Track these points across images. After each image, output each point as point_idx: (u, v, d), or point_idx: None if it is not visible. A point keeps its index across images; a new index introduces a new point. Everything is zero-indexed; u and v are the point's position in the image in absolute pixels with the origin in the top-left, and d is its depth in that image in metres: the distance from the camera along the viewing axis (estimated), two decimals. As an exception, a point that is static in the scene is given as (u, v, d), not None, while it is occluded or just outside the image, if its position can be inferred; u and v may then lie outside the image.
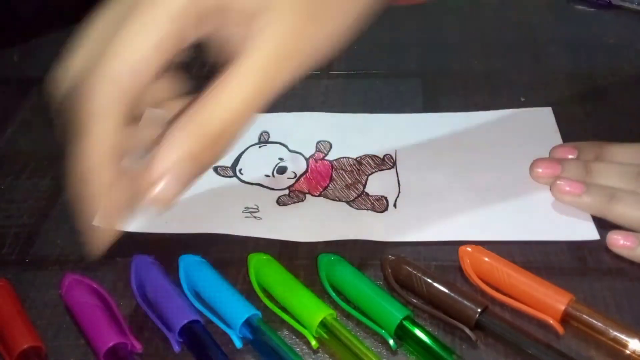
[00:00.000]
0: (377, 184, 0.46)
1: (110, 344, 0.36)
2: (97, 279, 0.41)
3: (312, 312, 0.37)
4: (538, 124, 0.50)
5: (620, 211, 0.41)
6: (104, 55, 0.28)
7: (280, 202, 0.45)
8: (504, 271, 0.38)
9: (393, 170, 0.47)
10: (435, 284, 0.38)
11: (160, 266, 0.41)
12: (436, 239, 0.42)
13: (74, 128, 0.29)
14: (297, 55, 0.28)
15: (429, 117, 0.52)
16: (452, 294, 0.37)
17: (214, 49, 0.27)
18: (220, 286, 0.39)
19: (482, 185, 0.45)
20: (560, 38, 0.59)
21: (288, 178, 0.47)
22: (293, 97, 0.55)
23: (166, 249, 0.43)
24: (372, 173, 0.47)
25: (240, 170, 0.48)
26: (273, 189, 0.47)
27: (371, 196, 0.45)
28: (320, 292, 0.40)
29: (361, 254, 0.42)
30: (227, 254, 0.42)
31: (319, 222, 0.44)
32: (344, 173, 0.47)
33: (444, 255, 0.41)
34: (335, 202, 0.45)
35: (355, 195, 0.46)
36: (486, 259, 0.39)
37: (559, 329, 0.36)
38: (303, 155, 0.49)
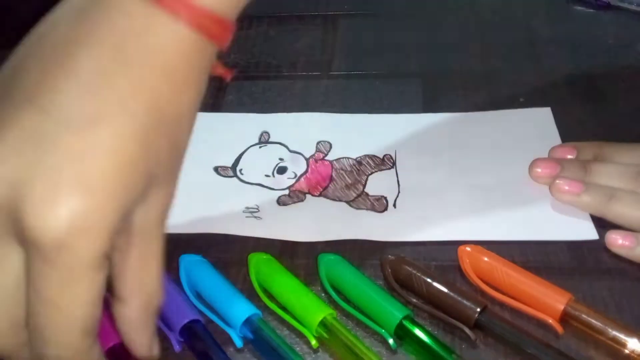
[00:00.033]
0: (377, 184, 0.46)
1: (111, 344, 0.36)
2: (98, 278, 0.41)
3: (312, 311, 0.37)
4: (537, 124, 0.50)
5: (620, 211, 0.41)
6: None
7: (280, 202, 0.46)
8: (504, 271, 0.38)
9: (393, 170, 0.47)
10: (435, 284, 0.38)
11: (161, 266, 0.41)
12: (436, 239, 0.42)
13: None
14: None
15: (429, 117, 0.52)
16: (452, 294, 0.37)
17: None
18: (220, 286, 0.39)
19: (481, 185, 0.46)
20: (559, 38, 0.59)
21: (288, 178, 0.48)
22: (293, 97, 0.55)
23: (167, 248, 0.43)
24: (372, 173, 0.47)
25: (240, 170, 0.48)
26: (273, 189, 0.47)
27: (371, 196, 0.45)
28: (320, 292, 0.40)
29: (361, 254, 0.42)
30: (228, 253, 0.42)
31: (319, 222, 0.44)
32: (344, 173, 0.48)
33: (443, 255, 0.41)
34: (335, 202, 0.45)
35: (355, 195, 0.46)
36: (485, 259, 0.39)
37: (558, 328, 0.36)
38: (303, 156, 0.49)
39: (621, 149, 0.45)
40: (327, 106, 0.54)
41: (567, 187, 0.42)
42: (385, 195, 0.45)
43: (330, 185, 0.47)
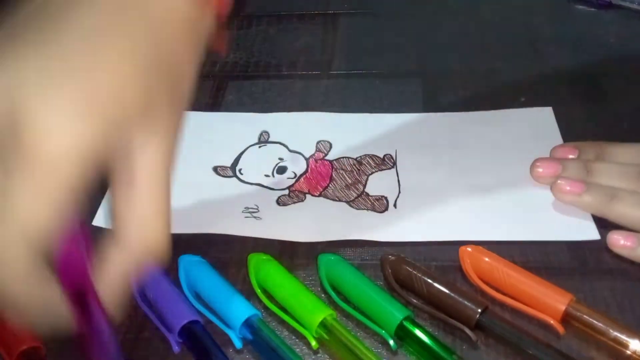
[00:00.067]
0: (377, 184, 0.46)
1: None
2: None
3: (312, 312, 0.37)
4: (538, 124, 0.50)
5: (621, 211, 0.41)
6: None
7: (280, 202, 0.45)
8: (504, 271, 0.38)
9: (393, 170, 0.47)
10: (436, 284, 0.38)
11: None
12: (436, 239, 0.42)
13: None
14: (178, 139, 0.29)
15: (429, 117, 0.52)
16: (452, 294, 0.37)
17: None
18: (220, 286, 0.39)
19: (482, 185, 0.45)
20: (560, 38, 0.59)
21: (288, 178, 0.47)
22: (293, 97, 0.55)
23: (166, 249, 0.43)
24: (372, 173, 0.47)
25: (240, 170, 0.48)
26: (273, 189, 0.46)
27: (371, 196, 0.45)
28: (320, 292, 0.40)
29: (361, 254, 0.42)
30: (227, 254, 0.42)
31: (319, 222, 0.44)
32: (344, 173, 0.47)
33: (444, 255, 0.41)
34: (335, 202, 0.45)
35: (355, 195, 0.46)
36: (486, 259, 0.39)
37: (560, 329, 0.36)
38: (303, 155, 0.49)
39: (622, 148, 0.44)
40: (327, 106, 0.54)
41: (568, 187, 0.42)
42: (385, 196, 0.45)
43: (330, 185, 0.47)
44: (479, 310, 0.36)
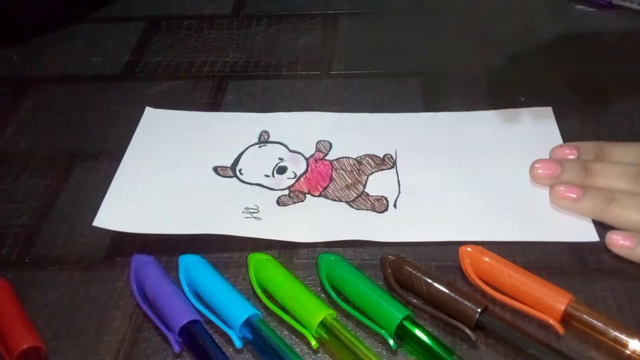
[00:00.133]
0: (378, 184, 0.46)
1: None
2: (96, 279, 0.41)
3: (312, 312, 0.37)
4: (538, 124, 0.50)
5: (619, 214, 0.41)
6: None
7: (280, 202, 0.45)
8: (504, 271, 0.38)
9: (393, 170, 0.47)
10: (436, 284, 0.38)
11: (160, 266, 0.41)
12: (436, 239, 0.42)
13: None
14: None
15: (429, 117, 0.52)
16: (452, 294, 0.37)
17: None
18: (220, 286, 0.39)
19: (482, 185, 0.45)
20: (560, 38, 0.59)
21: (288, 178, 0.47)
22: (293, 97, 0.55)
23: (166, 249, 0.43)
24: (372, 173, 0.47)
25: (240, 170, 0.48)
26: (273, 189, 0.46)
27: (371, 196, 0.45)
28: (320, 292, 0.40)
29: (361, 254, 0.42)
30: (227, 254, 0.42)
31: (319, 222, 0.44)
32: (344, 173, 0.47)
33: (444, 255, 0.41)
34: (335, 202, 0.45)
35: (355, 195, 0.46)
36: (486, 259, 0.39)
37: (559, 329, 0.36)
38: (303, 155, 0.49)
39: (622, 148, 0.44)
40: (327, 105, 0.54)
41: (565, 193, 0.42)
42: (385, 196, 0.45)
43: (330, 185, 0.47)
44: (479, 310, 0.36)
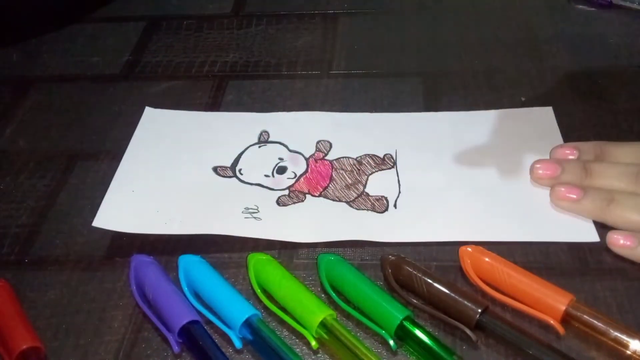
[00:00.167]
0: (378, 184, 0.46)
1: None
2: (96, 279, 0.41)
3: (312, 312, 0.37)
4: (538, 124, 0.50)
5: (619, 215, 0.41)
6: None
7: (280, 202, 0.45)
8: (505, 271, 0.38)
9: (393, 170, 0.47)
10: (436, 284, 0.38)
11: (160, 266, 0.41)
12: (436, 239, 0.42)
13: None
14: None
15: (429, 117, 0.52)
16: (453, 294, 0.37)
17: None
18: (219, 286, 0.39)
19: (482, 185, 0.45)
20: (561, 37, 0.59)
21: (288, 178, 0.47)
22: (293, 96, 0.55)
23: (166, 249, 0.43)
24: (373, 173, 0.47)
25: (240, 170, 0.48)
26: (273, 189, 0.46)
27: (371, 196, 0.45)
28: (320, 293, 0.40)
29: (361, 254, 0.42)
30: (227, 254, 0.42)
31: (319, 222, 0.44)
32: (344, 173, 0.47)
33: (444, 255, 0.41)
34: (335, 202, 0.45)
35: (355, 195, 0.46)
36: (486, 259, 0.39)
37: (560, 329, 0.36)
38: (303, 155, 0.49)
39: (622, 148, 0.44)
40: (327, 105, 0.54)
41: (566, 195, 0.42)
42: (385, 196, 0.45)
43: (330, 185, 0.46)
44: (479, 311, 0.36)
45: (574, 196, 0.42)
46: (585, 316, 0.36)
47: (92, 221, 0.44)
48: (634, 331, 0.35)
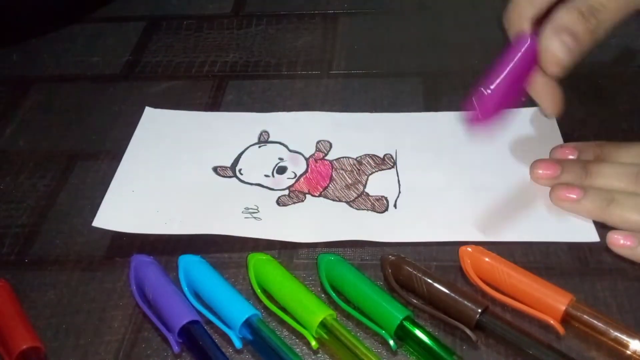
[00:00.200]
0: (378, 184, 0.46)
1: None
2: (96, 279, 0.41)
3: (312, 312, 0.37)
4: (538, 124, 0.50)
5: (620, 215, 0.40)
6: None
7: (280, 202, 0.45)
8: (505, 271, 0.38)
9: (393, 170, 0.47)
10: (436, 284, 0.38)
11: (160, 266, 0.41)
12: (436, 239, 0.42)
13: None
14: None
15: (430, 117, 0.52)
16: (453, 294, 0.37)
17: None
18: (219, 286, 0.39)
19: (483, 185, 0.45)
20: (560, 38, 0.59)
21: (288, 178, 0.47)
22: (293, 96, 0.55)
23: (166, 249, 0.43)
24: (373, 173, 0.47)
25: (240, 170, 0.48)
26: (273, 189, 0.46)
27: (371, 196, 0.45)
28: (320, 293, 0.40)
29: (361, 254, 0.42)
30: (227, 254, 0.42)
31: (319, 222, 0.44)
32: (344, 173, 0.47)
33: (444, 255, 0.41)
34: (335, 202, 0.45)
35: (355, 195, 0.46)
36: (487, 259, 0.39)
37: (560, 329, 0.36)
38: (303, 155, 0.49)
39: (622, 148, 0.44)
40: (327, 105, 0.54)
41: (566, 195, 0.42)
42: (385, 196, 0.45)
43: (330, 185, 0.46)
44: (479, 311, 0.36)
45: (574, 196, 0.42)
46: (585, 316, 0.36)
47: (92, 221, 0.44)
48: (634, 331, 0.35)
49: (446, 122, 0.51)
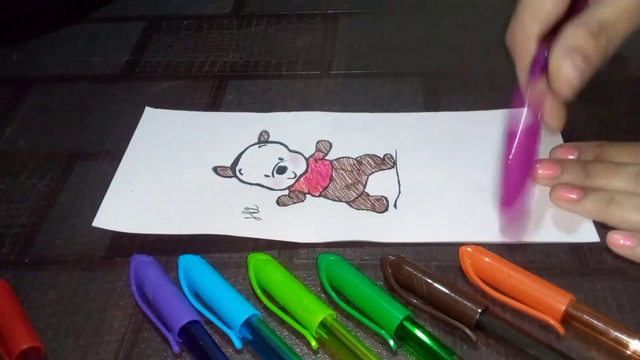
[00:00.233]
0: (378, 184, 0.46)
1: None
2: (96, 279, 0.41)
3: (312, 312, 0.37)
4: (538, 124, 0.50)
5: (620, 215, 0.40)
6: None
7: (280, 202, 0.45)
8: (505, 271, 0.38)
9: (393, 170, 0.47)
10: (436, 284, 0.38)
11: (160, 266, 0.41)
12: (436, 240, 0.42)
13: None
14: None
15: (429, 117, 0.52)
16: (453, 295, 0.37)
17: None
18: (219, 286, 0.39)
19: (482, 185, 0.45)
20: (560, 38, 0.59)
21: (288, 178, 0.47)
22: (293, 96, 0.55)
23: (166, 249, 0.43)
24: (373, 173, 0.47)
25: (240, 170, 0.48)
26: (273, 189, 0.46)
27: (371, 196, 0.45)
28: (320, 293, 0.40)
29: (361, 254, 0.42)
30: (227, 254, 0.42)
31: (319, 222, 0.44)
32: (344, 173, 0.47)
33: (444, 256, 0.41)
34: (335, 203, 0.45)
35: (355, 195, 0.46)
36: (487, 259, 0.39)
37: (560, 329, 0.36)
38: (303, 155, 0.49)
39: (622, 148, 0.44)
40: (327, 105, 0.54)
41: (566, 195, 0.42)
42: (385, 196, 0.45)
43: (330, 185, 0.46)
44: (479, 311, 0.36)
45: (574, 196, 0.42)
46: (585, 316, 0.36)
47: (92, 221, 0.44)
48: (634, 331, 0.35)
49: (446, 122, 0.51)
